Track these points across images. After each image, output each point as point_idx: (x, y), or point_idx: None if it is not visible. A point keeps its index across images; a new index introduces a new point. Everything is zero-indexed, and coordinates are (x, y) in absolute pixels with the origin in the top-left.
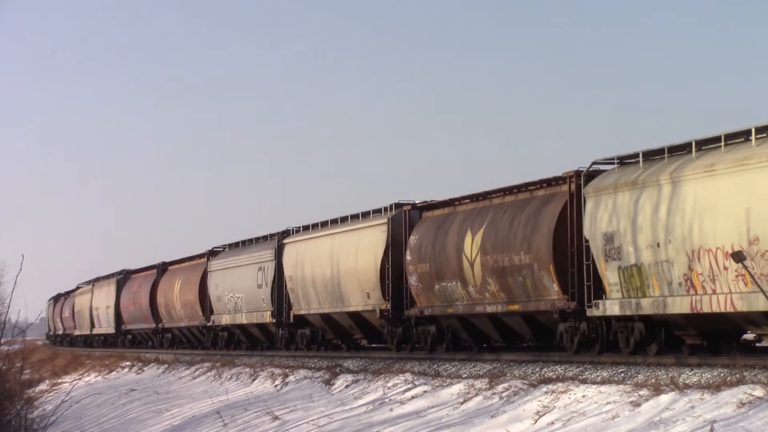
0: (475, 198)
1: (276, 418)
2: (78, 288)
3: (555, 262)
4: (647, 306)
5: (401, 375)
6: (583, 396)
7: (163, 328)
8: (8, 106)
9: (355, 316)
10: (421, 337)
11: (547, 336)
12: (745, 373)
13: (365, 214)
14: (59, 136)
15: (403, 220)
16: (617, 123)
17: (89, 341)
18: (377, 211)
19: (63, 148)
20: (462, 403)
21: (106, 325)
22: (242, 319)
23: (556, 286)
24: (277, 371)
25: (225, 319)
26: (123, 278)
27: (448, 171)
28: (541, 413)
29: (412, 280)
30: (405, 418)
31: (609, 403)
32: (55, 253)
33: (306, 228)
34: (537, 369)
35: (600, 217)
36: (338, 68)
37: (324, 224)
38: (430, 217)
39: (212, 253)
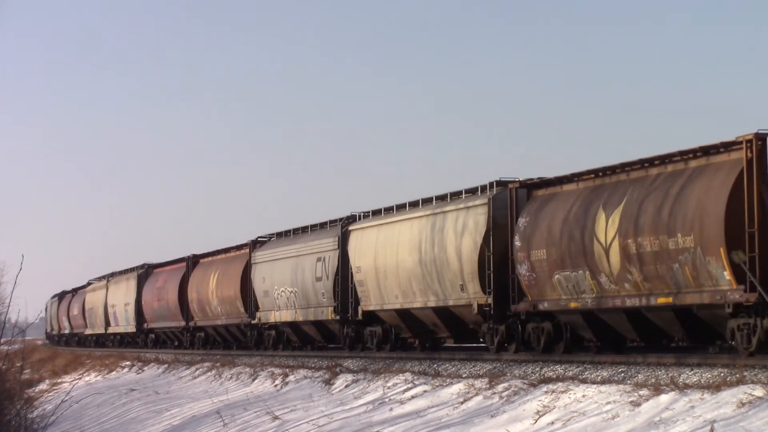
0: (603, 172)
1: (276, 417)
2: (89, 284)
3: (727, 245)
4: None
5: (401, 375)
6: (583, 396)
7: (195, 326)
8: (8, 106)
9: (443, 311)
10: (532, 335)
11: (704, 334)
12: (745, 373)
13: (455, 195)
14: (59, 136)
15: (509, 199)
16: (616, 122)
17: (102, 341)
18: (471, 191)
19: (63, 148)
20: (462, 403)
21: (124, 324)
22: (296, 316)
23: (727, 275)
24: (277, 371)
25: (274, 316)
26: (145, 273)
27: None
28: (541, 413)
29: (523, 269)
30: (405, 418)
31: (609, 402)
32: (55, 253)
33: (377, 212)
34: (537, 369)
35: None
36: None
37: (401, 207)
38: (542, 195)
39: (256, 243)
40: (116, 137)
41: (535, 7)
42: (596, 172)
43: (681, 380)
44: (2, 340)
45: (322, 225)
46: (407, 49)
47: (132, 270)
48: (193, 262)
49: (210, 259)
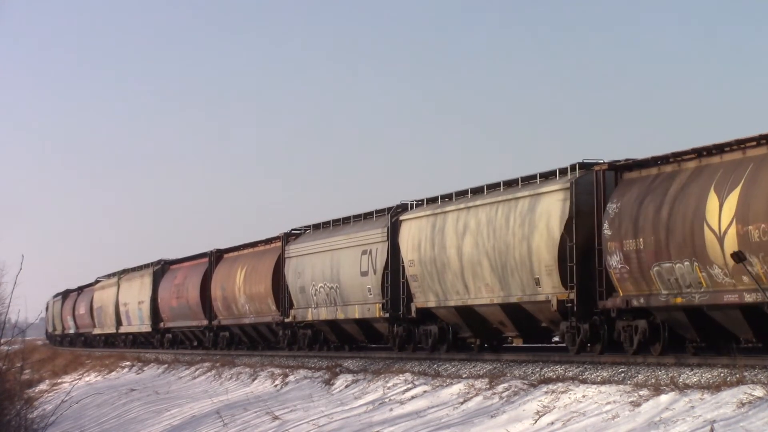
0: (709, 151)
1: (276, 418)
2: (97, 282)
3: None
4: None
5: (401, 375)
6: (583, 396)
7: (219, 325)
8: (8, 106)
9: (513, 309)
10: (624, 334)
11: None
12: (745, 373)
13: (527, 179)
14: (60, 136)
15: (595, 183)
16: (616, 122)
17: (111, 341)
18: (547, 174)
19: (63, 147)
20: (462, 403)
21: (138, 323)
22: (336, 313)
23: None
24: (277, 371)
25: (311, 314)
26: (161, 269)
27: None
28: (541, 413)
29: (613, 260)
30: (405, 418)
31: (609, 403)
32: (55, 253)
33: (432, 200)
34: (537, 369)
35: None
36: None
37: (462, 194)
38: (636, 178)
39: (289, 236)
40: (116, 137)
41: (535, 6)
42: (700, 151)
43: (681, 380)
44: (2, 340)
45: (367, 215)
46: (407, 49)
47: (147, 266)
48: (217, 256)
49: (236, 253)
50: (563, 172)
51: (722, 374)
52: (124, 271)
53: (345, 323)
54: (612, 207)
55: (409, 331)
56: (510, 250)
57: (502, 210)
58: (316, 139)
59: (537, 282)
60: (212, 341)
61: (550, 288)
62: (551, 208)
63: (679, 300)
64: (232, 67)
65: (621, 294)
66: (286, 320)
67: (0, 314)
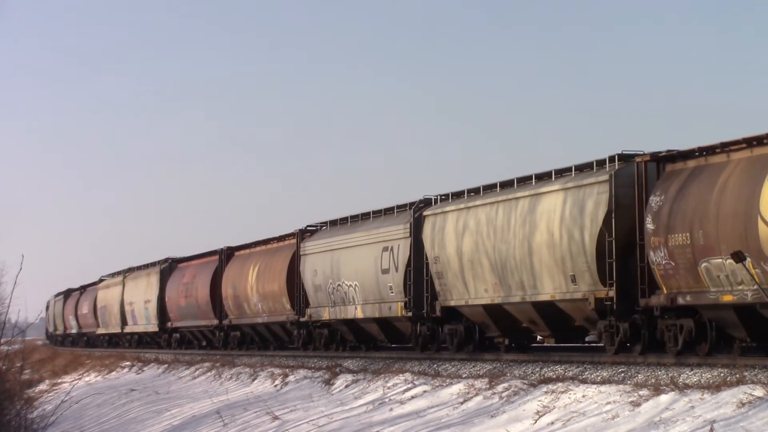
0: (757, 141)
1: (276, 418)
2: (101, 280)
3: None
4: None
5: (401, 375)
6: (583, 396)
7: (230, 325)
8: (8, 106)
9: (545, 307)
10: (667, 334)
11: None
12: (745, 373)
13: (560, 172)
14: (60, 136)
15: (636, 175)
16: (615, 121)
17: (115, 341)
18: (583, 167)
19: (63, 148)
20: (462, 403)
21: (144, 322)
22: (356, 312)
23: None
24: (277, 371)
25: (328, 313)
26: (168, 267)
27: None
28: (541, 413)
29: (657, 257)
30: (405, 418)
31: (609, 403)
32: (55, 253)
33: (458, 195)
34: (537, 369)
35: None
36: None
37: (490, 188)
38: (680, 170)
39: (305, 233)
40: (116, 136)
41: (536, 6)
42: (751, 141)
43: (681, 380)
44: (2, 340)
45: (387, 210)
46: (406, 49)
47: (153, 265)
48: (227, 254)
49: (248, 251)
50: (601, 163)
51: (722, 374)
52: (130, 270)
53: (364, 322)
54: (655, 200)
55: (433, 331)
56: (542, 246)
57: (533, 204)
58: (316, 139)
59: (573, 279)
60: (222, 341)
61: (588, 285)
62: (589, 202)
63: (729, 297)
64: (231, 66)
65: (665, 291)
66: (302, 319)
67: (0, 314)
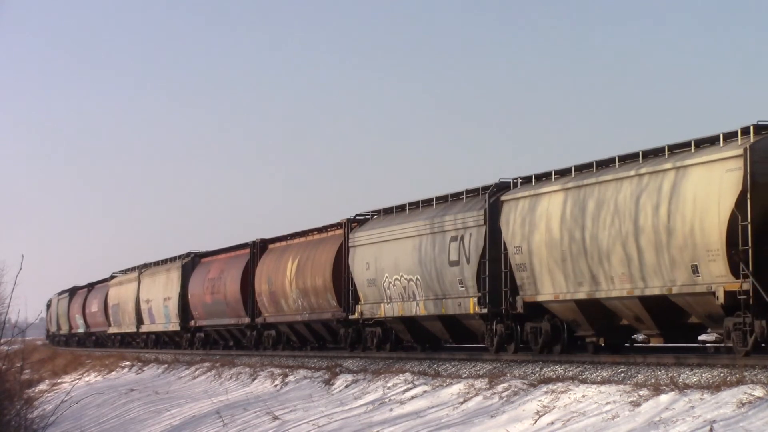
0: None
1: (276, 418)
2: (113, 277)
3: None
4: None
5: (401, 375)
6: (583, 396)
7: (264, 323)
8: (8, 106)
9: (656, 302)
10: None
11: None
12: (745, 373)
13: (676, 147)
14: (60, 136)
15: None
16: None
17: (129, 341)
18: (706, 141)
19: (63, 148)
20: (462, 403)
21: (163, 321)
22: (418, 309)
23: None
24: (277, 371)
25: (383, 310)
26: (191, 262)
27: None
28: (541, 413)
29: None
30: (405, 418)
31: (609, 403)
32: (55, 252)
33: (543, 176)
34: (537, 369)
35: None
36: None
37: (584, 167)
38: None
39: (353, 222)
40: (116, 135)
41: (536, 6)
42: None
43: (681, 380)
44: (2, 340)
45: (454, 196)
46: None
47: (174, 260)
48: (261, 246)
49: (284, 243)
50: (730, 136)
51: (722, 374)
52: (146, 266)
53: (426, 320)
54: None
55: (511, 330)
56: (657, 231)
57: (640, 186)
58: (316, 138)
59: (695, 270)
60: (255, 341)
61: (715, 276)
62: (717, 181)
63: None
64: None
65: None
66: (351, 317)
67: (0, 314)
